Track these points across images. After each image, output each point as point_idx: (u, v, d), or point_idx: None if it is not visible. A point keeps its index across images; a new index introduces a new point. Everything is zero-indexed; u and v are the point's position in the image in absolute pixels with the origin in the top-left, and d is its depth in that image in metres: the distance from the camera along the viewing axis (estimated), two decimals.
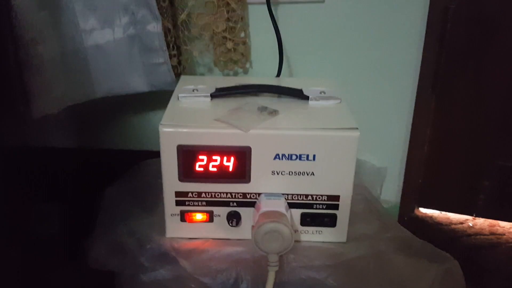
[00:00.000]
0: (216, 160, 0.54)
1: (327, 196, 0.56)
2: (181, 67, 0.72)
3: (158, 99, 0.75)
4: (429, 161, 0.91)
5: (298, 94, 0.60)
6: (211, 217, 0.57)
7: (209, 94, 0.59)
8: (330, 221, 0.57)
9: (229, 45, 0.72)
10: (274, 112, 0.56)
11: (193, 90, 0.61)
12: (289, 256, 0.55)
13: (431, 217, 0.98)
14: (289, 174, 0.54)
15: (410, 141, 0.86)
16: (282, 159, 0.53)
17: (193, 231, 0.58)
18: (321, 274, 0.54)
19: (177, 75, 0.71)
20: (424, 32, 0.78)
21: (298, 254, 0.56)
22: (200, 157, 0.54)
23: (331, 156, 0.53)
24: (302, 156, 0.53)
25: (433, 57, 0.80)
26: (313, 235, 0.58)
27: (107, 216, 0.65)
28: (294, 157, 0.53)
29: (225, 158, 0.54)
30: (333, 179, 0.55)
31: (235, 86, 0.61)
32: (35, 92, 0.63)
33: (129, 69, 0.70)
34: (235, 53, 0.73)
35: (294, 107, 0.59)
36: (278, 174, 0.54)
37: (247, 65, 0.76)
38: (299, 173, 0.54)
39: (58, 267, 0.74)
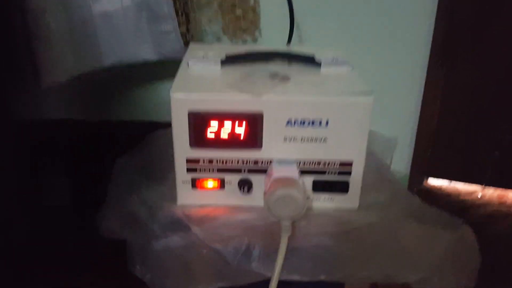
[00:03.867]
0: (228, 126, 0.53)
1: (340, 162, 0.55)
2: (189, 35, 0.71)
3: (166, 70, 0.74)
4: (438, 131, 0.91)
5: (309, 61, 0.59)
6: (222, 184, 0.57)
7: (219, 61, 0.59)
8: (342, 187, 0.56)
9: (238, 12, 0.71)
10: (286, 78, 0.55)
11: (203, 57, 0.60)
12: (300, 223, 0.55)
13: (440, 188, 0.98)
14: (302, 140, 0.54)
15: (421, 112, 0.85)
16: (294, 125, 0.53)
17: (204, 198, 0.57)
18: (333, 240, 0.54)
19: (186, 44, 0.70)
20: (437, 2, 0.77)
21: (310, 220, 0.55)
22: (212, 123, 0.53)
23: (344, 121, 0.53)
24: (315, 121, 0.53)
25: (443, 29, 0.79)
26: (325, 202, 0.58)
27: (118, 186, 0.64)
28: (306, 123, 0.53)
29: (236, 124, 0.53)
30: (346, 145, 0.54)
31: (245, 53, 0.61)
32: (43, 62, 0.63)
33: (137, 37, 0.69)
34: (244, 21, 0.72)
35: (306, 74, 0.58)
36: (290, 140, 0.54)
37: (256, 34, 0.75)
38: (312, 139, 0.54)
39: (70, 237, 0.75)
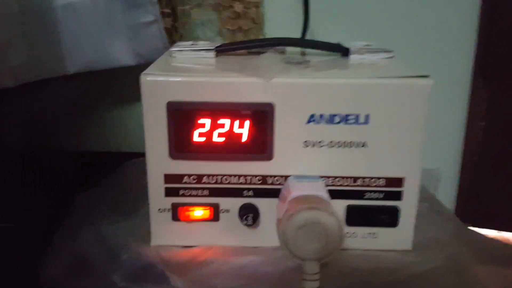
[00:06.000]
0: (223, 126, 0.37)
1: (386, 179, 0.38)
2: (177, 35, 0.57)
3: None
4: (481, 165, 0.74)
5: (335, 48, 0.44)
6: (216, 213, 0.39)
7: (213, 48, 0.43)
8: (389, 217, 0.39)
9: (238, 8, 0.57)
10: (305, 63, 0.40)
11: (192, 45, 0.45)
12: (332, 269, 0.37)
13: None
14: (330, 145, 0.37)
15: (465, 139, 0.69)
16: (319, 122, 0.37)
17: (190, 234, 0.40)
18: None
19: (171, 44, 0.55)
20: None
21: (346, 266, 0.38)
22: (201, 121, 0.37)
23: (392, 116, 0.36)
24: (350, 117, 0.37)
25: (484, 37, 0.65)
26: (364, 240, 0.40)
27: (70, 224, 0.47)
28: (337, 119, 0.37)
29: (236, 123, 0.37)
30: (394, 152, 0.37)
31: (249, 40, 0.46)
32: None
33: (109, 34, 0.54)
34: (245, 19, 0.58)
35: (332, 61, 0.43)
36: (313, 146, 0.37)
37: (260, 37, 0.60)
38: (345, 144, 0.37)
39: None
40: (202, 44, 0.45)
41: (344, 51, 0.44)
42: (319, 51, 0.45)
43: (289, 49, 0.47)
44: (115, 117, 0.66)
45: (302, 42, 0.46)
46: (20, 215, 0.55)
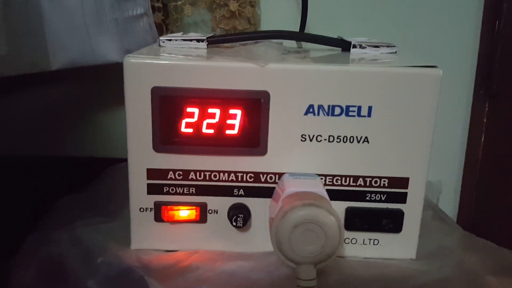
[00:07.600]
0: (213, 116, 0.34)
1: (389, 179, 0.35)
2: (168, 33, 0.54)
3: None
4: (482, 181, 0.71)
5: (336, 42, 0.41)
6: (203, 214, 0.36)
7: (205, 38, 0.40)
8: (392, 222, 0.36)
9: (233, 6, 0.54)
10: (304, 53, 0.37)
11: (182, 35, 0.42)
12: (329, 277, 0.33)
13: None
14: (329, 140, 0.34)
15: (466, 152, 0.66)
16: (318, 114, 0.34)
17: (175, 237, 0.36)
18: None
19: None
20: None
21: (345, 274, 0.34)
22: (189, 109, 0.34)
23: (397, 109, 0.33)
24: (351, 108, 0.33)
25: (486, 51, 0.63)
26: (364, 247, 0.36)
27: (45, 226, 0.43)
28: (337, 110, 0.33)
29: (228, 112, 0.34)
30: (399, 150, 0.34)
31: (244, 32, 0.43)
32: None
33: (95, 28, 0.51)
34: (240, 19, 0.55)
35: (332, 55, 0.40)
36: (311, 140, 0.34)
37: None
38: (345, 139, 0.34)
39: None
40: (193, 34, 0.42)
41: (346, 46, 0.41)
42: (318, 47, 0.42)
43: (286, 44, 0.45)
44: (100, 122, 0.63)
45: (300, 36, 0.43)
46: None
